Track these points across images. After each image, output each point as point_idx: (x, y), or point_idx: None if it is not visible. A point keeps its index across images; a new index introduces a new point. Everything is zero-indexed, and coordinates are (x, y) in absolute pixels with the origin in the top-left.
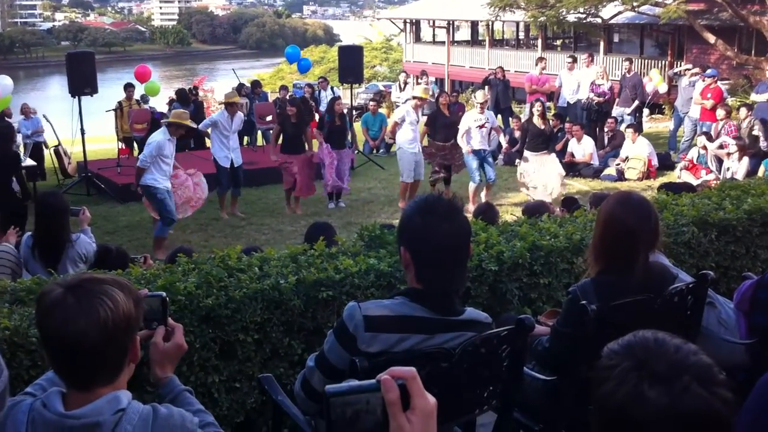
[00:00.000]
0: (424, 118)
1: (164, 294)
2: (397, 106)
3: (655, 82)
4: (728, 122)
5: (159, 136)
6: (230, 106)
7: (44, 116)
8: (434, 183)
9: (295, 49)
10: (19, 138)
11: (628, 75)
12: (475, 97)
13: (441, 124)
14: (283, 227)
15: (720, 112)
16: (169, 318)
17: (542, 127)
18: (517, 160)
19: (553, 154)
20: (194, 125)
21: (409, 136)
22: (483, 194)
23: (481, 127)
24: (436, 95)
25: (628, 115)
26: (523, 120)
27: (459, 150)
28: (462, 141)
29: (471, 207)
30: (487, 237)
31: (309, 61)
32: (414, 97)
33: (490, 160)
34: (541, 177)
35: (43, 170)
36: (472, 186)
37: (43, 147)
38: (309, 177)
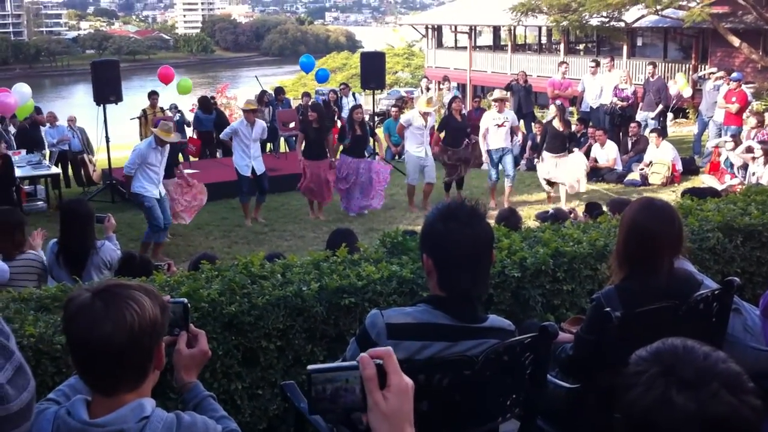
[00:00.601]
0: (433, 122)
1: (186, 300)
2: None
3: (679, 85)
4: (761, 131)
5: (144, 144)
6: (248, 113)
7: (69, 125)
8: (449, 183)
9: (309, 58)
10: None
11: (651, 79)
12: (490, 95)
13: (453, 128)
14: (306, 233)
15: (752, 120)
16: (191, 324)
17: (560, 129)
18: (536, 160)
19: (576, 152)
20: (177, 140)
21: (415, 140)
22: (506, 194)
23: (500, 126)
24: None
25: (652, 119)
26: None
27: (476, 148)
28: (482, 140)
29: (492, 203)
30: (510, 243)
31: (327, 71)
32: (420, 112)
33: (510, 156)
34: (561, 174)
35: (67, 178)
36: (488, 183)
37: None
38: (329, 182)
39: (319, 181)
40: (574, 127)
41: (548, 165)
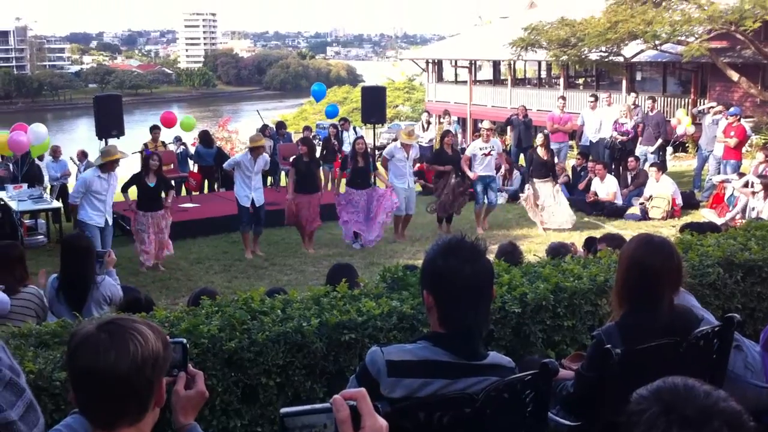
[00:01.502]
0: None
1: (185, 341)
2: (420, 146)
3: (684, 124)
4: None
5: (89, 173)
6: (254, 150)
7: (71, 158)
8: (433, 212)
9: (321, 86)
10: (46, 180)
11: (651, 113)
12: (481, 125)
13: (444, 161)
14: (306, 268)
15: (760, 155)
16: (190, 364)
17: (545, 157)
18: (527, 186)
19: (560, 187)
20: (125, 155)
21: (398, 173)
22: (484, 217)
23: (486, 155)
24: (456, 133)
25: (651, 153)
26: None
27: (462, 196)
28: (465, 166)
29: (480, 230)
30: (510, 278)
31: (336, 107)
32: (401, 144)
33: (495, 185)
34: (550, 203)
35: (68, 212)
36: (476, 208)
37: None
38: (315, 213)
39: (303, 215)
40: (574, 161)
41: (542, 192)
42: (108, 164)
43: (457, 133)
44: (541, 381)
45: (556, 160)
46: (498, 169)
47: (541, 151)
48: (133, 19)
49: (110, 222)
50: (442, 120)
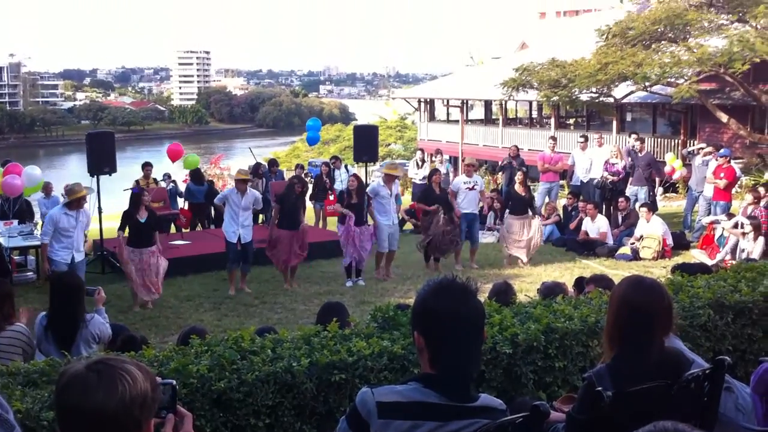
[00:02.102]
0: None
1: (174, 382)
2: (414, 183)
3: (676, 166)
4: (757, 207)
5: (55, 210)
6: (239, 183)
7: (62, 195)
8: (423, 249)
9: (316, 122)
10: (37, 216)
11: (640, 154)
12: (463, 160)
13: (432, 200)
14: (296, 306)
15: (748, 197)
16: (179, 406)
17: (523, 194)
18: (501, 223)
19: (538, 221)
20: (91, 191)
21: (382, 210)
22: (472, 257)
23: (470, 189)
24: (448, 172)
25: (643, 194)
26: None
27: (453, 237)
28: (452, 200)
29: (458, 267)
30: (501, 319)
31: (318, 135)
32: (384, 174)
33: (477, 223)
34: (524, 236)
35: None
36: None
37: None
38: (295, 248)
39: (282, 249)
40: (565, 201)
41: (515, 227)
42: (74, 202)
43: (449, 172)
44: (532, 423)
45: (539, 197)
46: (489, 208)
47: (518, 188)
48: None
49: (78, 258)
50: (434, 158)
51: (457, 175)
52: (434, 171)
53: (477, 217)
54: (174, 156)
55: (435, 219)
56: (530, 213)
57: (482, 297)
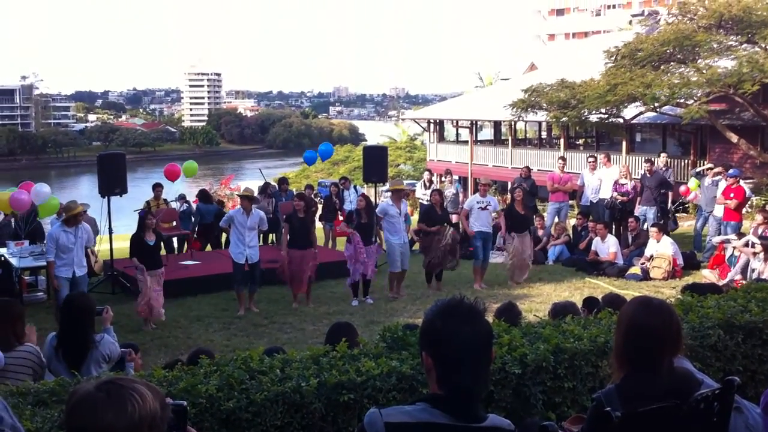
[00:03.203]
0: (406, 209)
1: (185, 403)
2: (421, 203)
3: (692, 187)
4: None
5: (54, 228)
6: (243, 201)
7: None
8: (431, 274)
9: (328, 146)
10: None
11: (649, 175)
12: (479, 180)
13: (434, 220)
14: (305, 326)
15: (758, 217)
16: (189, 428)
17: (522, 212)
18: (504, 241)
19: (528, 238)
20: (87, 206)
21: (392, 229)
22: (479, 276)
23: (483, 209)
24: (458, 192)
25: (652, 215)
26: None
27: (452, 253)
28: (463, 219)
29: (477, 287)
30: (510, 339)
31: (315, 154)
32: (390, 190)
33: (490, 244)
34: (524, 253)
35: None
36: (475, 264)
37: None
38: (304, 272)
39: (300, 270)
40: (575, 221)
41: (516, 243)
42: (71, 218)
43: (458, 192)
44: None
45: (548, 217)
46: (498, 228)
47: (518, 207)
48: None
49: (79, 273)
50: (443, 179)
51: (467, 195)
52: (435, 192)
53: (491, 237)
54: (172, 176)
55: (436, 239)
56: (528, 231)
57: (489, 317)
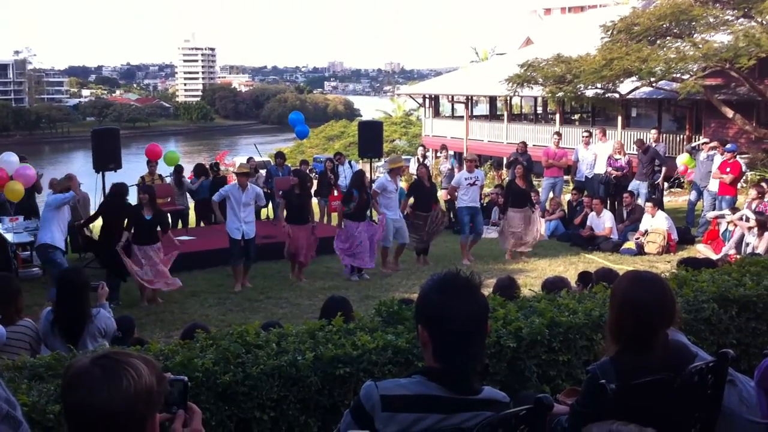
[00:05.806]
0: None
1: (186, 378)
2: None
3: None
4: (762, 202)
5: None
6: (240, 177)
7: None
8: (419, 249)
9: (298, 115)
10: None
11: (643, 153)
12: (465, 157)
13: (422, 194)
14: (301, 301)
15: (752, 192)
16: (190, 403)
17: (523, 187)
18: (501, 216)
19: (537, 214)
20: (77, 184)
21: (389, 204)
22: (468, 247)
23: (471, 184)
24: (453, 167)
25: (644, 189)
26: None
27: (439, 218)
28: (453, 194)
29: (465, 261)
30: (506, 313)
31: (306, 128)
32: (390, 168)
33: (480, 216)
34: (520, 229)
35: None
36: (462, 239)
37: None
38: (310, 246)
39: (299, 244)
40: (570, 196)
41: (516, 220)
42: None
43: (454, 167)
44: (535, 416)
45: (543, 192)
46: (494, 204)
47: (519, 182)
48: (131, 53)
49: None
50: (439, 154)
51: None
52: (420, 165)
53: (479, 211)
54: (153, 156)
55: (423, 220)
56: (530, 206)
57: (486, 291)
